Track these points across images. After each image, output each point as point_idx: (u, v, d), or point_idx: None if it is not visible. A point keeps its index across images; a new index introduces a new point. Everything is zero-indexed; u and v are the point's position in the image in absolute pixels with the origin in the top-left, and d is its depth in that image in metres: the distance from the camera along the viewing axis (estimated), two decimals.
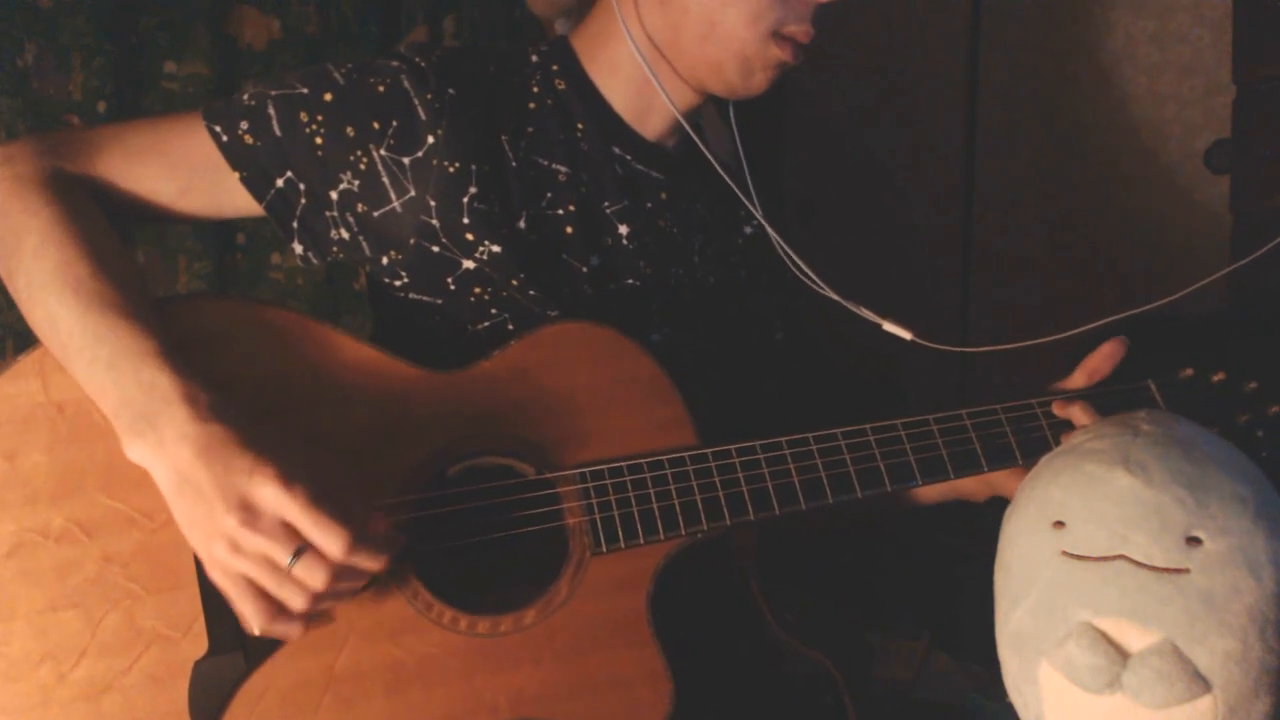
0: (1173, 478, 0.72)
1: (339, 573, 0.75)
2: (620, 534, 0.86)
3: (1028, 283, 1.83)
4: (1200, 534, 0.70)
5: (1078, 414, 0.92)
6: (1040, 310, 1.81)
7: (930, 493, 1.03)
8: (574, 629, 0.86)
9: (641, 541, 0.87)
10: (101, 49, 1.51)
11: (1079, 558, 0.72)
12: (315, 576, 0.74)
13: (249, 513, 0.73)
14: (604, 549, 0.86)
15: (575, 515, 0.87)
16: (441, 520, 0.85)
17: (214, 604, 0.79)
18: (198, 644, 0.80)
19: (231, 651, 0.80)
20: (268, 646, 0.81)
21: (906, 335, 0.98)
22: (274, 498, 0.73)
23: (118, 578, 0.80)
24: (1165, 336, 0.99)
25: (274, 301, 0.96)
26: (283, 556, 0.74)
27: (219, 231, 1.63)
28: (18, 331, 1.45)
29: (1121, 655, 0.69)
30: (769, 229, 1.03)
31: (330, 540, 0.73)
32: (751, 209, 1.03)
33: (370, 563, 0.76)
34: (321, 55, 1.68)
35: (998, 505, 0.95)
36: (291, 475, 0.74)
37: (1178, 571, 0.69)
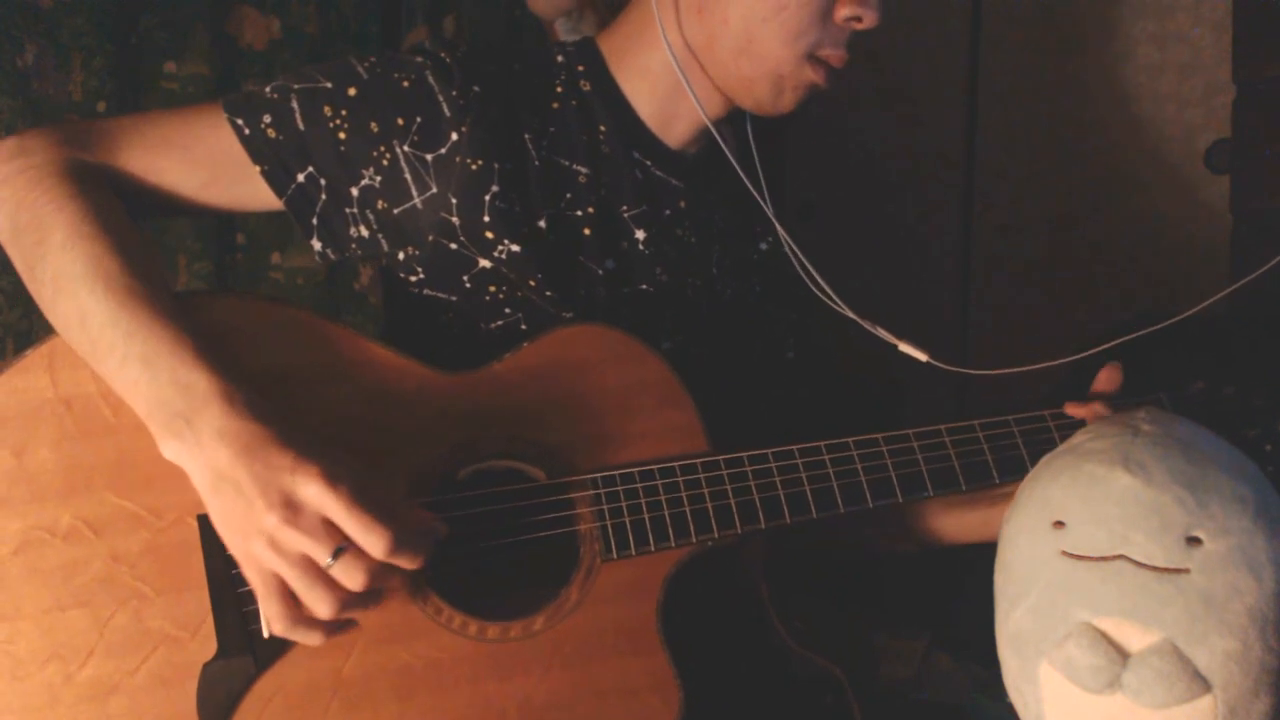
0: (1173, 478, 0.72)
1: (377, 574, 0.75)
2: (631, 540, 0.86)
3: (1028, 283, 1.83)
4: (1200, 534, 0.70)
5: (1098, 409, 0.92)
6: (1040, 310, 1.81)
7: (949, 530, 1.02)
8: (583, 635, 0.85)
9: (652, 548, 0.86)
10: (101, 49, 1.50)
11: (1079, 558, 0.72)
12: (353, 578, 0.74)
13: (291, 510, 0.72)
14: (615, 555, 0.86)
15: (587, 521, 0.86)
16: (452, 524, 0.84)
17: (223, 605, 0.79)
18: (206, 645, 0.80)
19: (240, 654, 0.79)
20: (277, 649, 0.81)
21: (922, 357, 0.97)
22: (317, 496, 0.73)
23: (126, 577, 0.79)
24: (1170, 337, 0.99)
25: (282, 299, 0.95)
26: (323, 556, 0.73)
27: (219, 231, 1.62)
28: (18, 331, 1.45)
29: (1121, 655, 0.69)
30: (790, 244, 1.02)
31: (373, 539, 0.73)
32: (774, 222, 1.02)
33: (410, 562, 0.75)
34: (321, 55, 1.67)
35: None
36: (334, 474, 0.73)
37: (1178, 571, 0.69)
